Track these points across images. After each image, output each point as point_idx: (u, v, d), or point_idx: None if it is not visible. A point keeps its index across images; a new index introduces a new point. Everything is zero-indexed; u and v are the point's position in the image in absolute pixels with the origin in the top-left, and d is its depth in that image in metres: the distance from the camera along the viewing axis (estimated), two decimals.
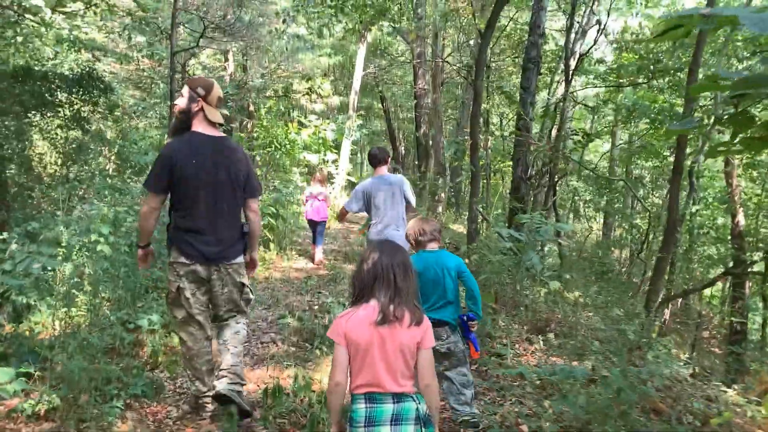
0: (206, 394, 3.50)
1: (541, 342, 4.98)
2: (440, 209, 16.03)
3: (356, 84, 17.88)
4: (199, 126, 3.40)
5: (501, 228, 4.71)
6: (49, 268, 4.38)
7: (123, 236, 6.86)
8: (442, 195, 16.35)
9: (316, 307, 6.32)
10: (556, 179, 8.47)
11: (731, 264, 10.63)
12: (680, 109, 11.19)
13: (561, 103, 8.13)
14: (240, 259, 3.54)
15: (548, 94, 14.00)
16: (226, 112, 12.82)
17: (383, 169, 5.28)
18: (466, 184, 20.88)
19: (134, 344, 4.66)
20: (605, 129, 17.84)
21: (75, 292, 5.07)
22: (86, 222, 5.82)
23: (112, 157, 15.20)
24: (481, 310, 3.45)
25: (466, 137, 18.38)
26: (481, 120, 11.73)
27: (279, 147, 15.77)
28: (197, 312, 3.43)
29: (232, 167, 3.41)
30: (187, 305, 3.40)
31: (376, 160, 5.30)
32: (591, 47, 8.19)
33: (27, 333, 4.60)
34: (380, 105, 30.86)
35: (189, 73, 17.78)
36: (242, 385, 3.45)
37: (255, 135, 17.13)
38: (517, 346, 5.02)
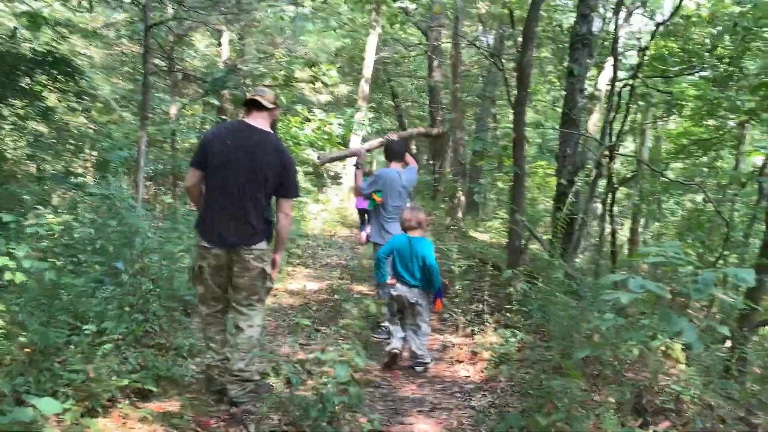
0: (217, 363, 3.62)
1: None
2: (459, 214, 14.27)
3: (367, 71, 16.06)
4: (247, 117, 3.57)
5: (618, 275, 2.98)
6: None
7: (61, 254, 5.24)
8: (462, 198, 14.58)
9: (311, 355, 4.61)
10: (616, 185, 6.72)
11: None
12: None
13: (626, 89, 6.41)
14: (262, 245, 3.50)
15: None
16: (216, 101, 11.18)
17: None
18: (486, 186, 19.11)
19: None
20: (637, 125, 16.11)
21: None
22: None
23: (93, 154, 13.57)
24: (436, 286, 4.56)
25: (490, 131, 16.63)
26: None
27: None
28: (215, 292, 3.57)
29: (262, 158, 3.42)
30: (206, 283, 3.54)
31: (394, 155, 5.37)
32: (663, 23, 6.47)
33: None
34: (391, 102, 29.20)
35: (182, 61, 16.15)
36: (254, 382, 3.65)
37: None
38: None
